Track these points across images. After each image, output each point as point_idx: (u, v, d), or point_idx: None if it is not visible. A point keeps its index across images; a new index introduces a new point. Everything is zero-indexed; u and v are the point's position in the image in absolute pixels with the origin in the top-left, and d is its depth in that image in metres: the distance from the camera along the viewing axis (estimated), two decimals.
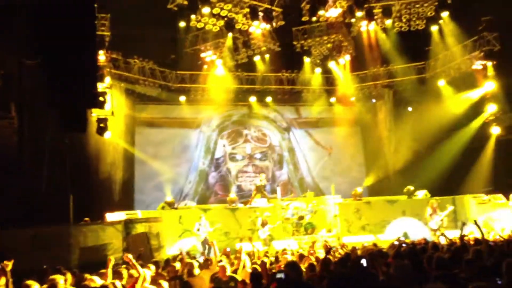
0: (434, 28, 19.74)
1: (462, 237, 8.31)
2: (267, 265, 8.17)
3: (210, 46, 20.65)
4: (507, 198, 16.33)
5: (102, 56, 17.63)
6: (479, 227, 8.41)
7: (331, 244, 10.93)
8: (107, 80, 17.72)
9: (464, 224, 9.30)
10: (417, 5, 18.51)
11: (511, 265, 4.53)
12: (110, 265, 7.46)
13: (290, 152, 24.15)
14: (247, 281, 6.67)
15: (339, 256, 8.85)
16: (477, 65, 19.41)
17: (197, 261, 9.78)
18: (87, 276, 7.76)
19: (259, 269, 7.17)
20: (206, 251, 14.71)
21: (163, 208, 17.15)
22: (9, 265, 6.53)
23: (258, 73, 22.26)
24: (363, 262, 4.44)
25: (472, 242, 8.69)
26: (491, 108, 18.95)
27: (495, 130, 18.92)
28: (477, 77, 19.56)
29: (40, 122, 15.72)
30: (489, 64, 18.92)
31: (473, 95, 19.68)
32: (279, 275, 5.42)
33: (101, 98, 16.34)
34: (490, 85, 18.88)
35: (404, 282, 5.13)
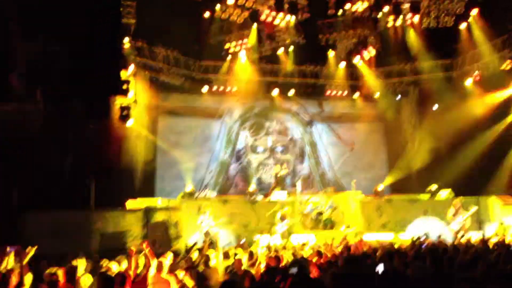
0: (463, 26, 19.34)
1: (484, 239, 8.14)
2: (284, 260, 8.14)
3: (234, 37, 20.59)
4: None
5: (126, 44, 17.73)
6: (505, 229, 8.25)
7: (351, 241, 10.83)
8: (131, 68, 17.80)
9: (481, 225, 9.13)
10: (446, 2, 18.17)
11: None
12: (134, 256, 7.51)
13: (311, 146, 24.01)
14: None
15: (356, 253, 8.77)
16: (506, 64, 18.97)
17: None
18: (104, 263, 7.86)
19: (273, 264, 7.15)
20: (208, 244, 14.70)
21: (183, 197, 17.23)
22: (32, 250, 6.59)
23: (282, 65, 22.14)
24: (380, 268, 4.36)
25: (493, 245, 8.53)
26: None
27: None
28: (505, 77, 19.13)
29: (65, 108, 15.92)
30: None
31: (500, 96, 19.27)
32: (292, 270, 5.39)
33: (124, 86, 16.50)
34: None
35: (423, 284, 5.04)
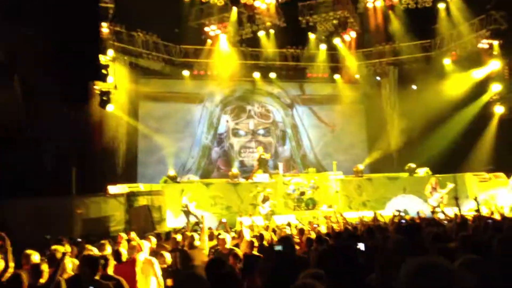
0: (441, 6, 19.50)
1: (462, 214, 8.33)
2: (268, 239, 8.26)
3: (214, 20, 20.49)
4: (508, 177, 16.34)
5: (105, 29, 17.54)
6: (478, 204, 8.46)
7: (333, 219, 10.98)
8: (110, 53, 17.64)
9: (457, 199, 9.35)
10: None
11: (501, 241, 4.57)
12: (123, 241, 7.55)
13: (293, 129, 24.14)
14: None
15: (338, 230, 8.91)
16: (483, 43, 19.22)
17: (198, 233, 9.86)
18: (88, 246, 7.87)
19: (256, 243, 7.25)
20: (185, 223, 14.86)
21: (165, 181, 17.25)
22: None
23: (263, 48, 22.12)
24: (361, 247, 4.46)
25: (471, 220, 8.73)
26: (496, 88, 18.83)
27: (499, 110, 18.85)
28: (482, 56, 19.40)
29: (44, 94, 15.71)
30: (495, 43, 18.73)
31: (478, 74, 19.55)
32: (277, 248, 5.46)
33: (103, 71, 16.35)
34: (495, 64, 18.73)
35: (401, 256, 5.18)
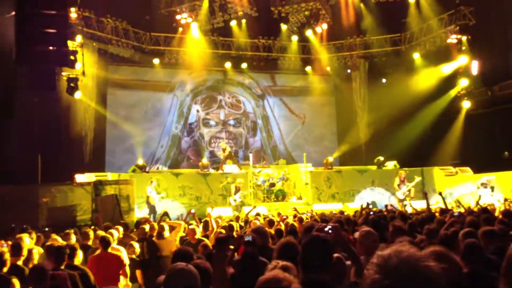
0: (411, 0, 19.70)
1: (429, 208, 8.48)
2: (237, 230, 8.23)
3: (185, 8, 20.26)
4: (474, 171, 16.69)
5: (73, 14, 17.12)
6: (443, 198, 8.63)
7: (301, 211, 11.03)
8: (78, 38, 17.25)
9: (426, 194, 9.51)
10: None
11: (466, 234, 4.68)
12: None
13: (264, 120, 24.15)
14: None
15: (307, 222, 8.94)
16: (452, 39, 19.53)
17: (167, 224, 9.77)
18: (53, 235, 7.72)
19: (224, 233, 7.21)
20: (151, 216, 14.74)
21: (134, 171, 17.02)
22: None
23: (234, 38, 22.00)
24: (328, 229, 4.47)
25: (437, 213, 8.89)
26: (463, 82, 19.18)
27: (466, 104, 19.22)
28: (451, 51, 19.72)
29: (9, 80, 15.29)
30: (464, 38, 19.05)
31: (446, 69, 19.88)
32: (246, 238, 5.43)
33: (71, 57, 15.95)
34: (463, 60, 19.07)
35: (368, 249, 5.22)
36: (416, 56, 21.21)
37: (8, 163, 15.12)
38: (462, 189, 16.26)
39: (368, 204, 9.58)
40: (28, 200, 13.58)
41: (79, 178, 14.90)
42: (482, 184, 14.92)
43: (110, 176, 15.86)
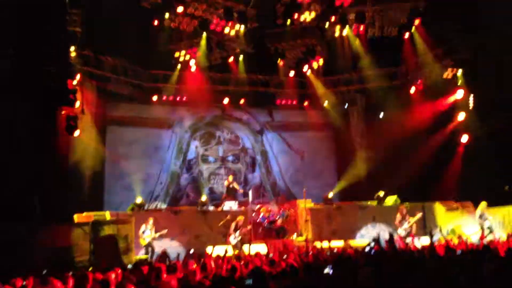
0: (406, 35, 19.97)
1: (431, 245, 8.38)
2: (239, 271, 8.08)
3: (183, 45, 20.46)
4: (475, 206, 16.57)
5: (73, 53, 17.32)
6: (442, 235, 8.59)
7: (302, 247, 10.89)
8: (78, 77, 17.38)
9: (431, 233, 9.40)
10: (390, 12, 18.72)
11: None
12: None
13: (262, 155, 24.11)
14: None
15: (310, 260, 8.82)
16: (448, 73, 19.70)
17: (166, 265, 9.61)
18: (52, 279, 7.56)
19: (227, 275, 7.08)
20: (149, 255, 14.54)
21: (132, 209, 16.89)
22: None
23: (232, 74, 22.18)
24: (329, 271, 4.39)
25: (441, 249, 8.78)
26: (461, 116, 19.27)
27: (464, 138, 19.24)
28: (447, 85, 19.87)
29: (8, 117, 15.30)
30: (459, 72, 19.22)
31: (443, 103, 20.00)
32: (247, 282, 5.34)
33: (71, 96, 16.03)
34: (460, 93, 19.20)
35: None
36: (413, 90, 21.35)
37: (6, 202, 14.99)
38: (464, 224, 16.10)
39: (375, 240, 9.36)
40: (26, 240, 13.39)
41: (78, 217, 14.77)
42: (480, 216, 14.79)
43: (108, 215, 15.71)
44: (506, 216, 15.01)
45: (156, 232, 14.95)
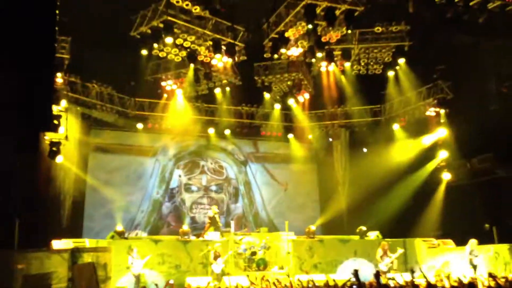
0: (390, 73, 20.36)
1: (413, 282, 8.41)
2: None
3: (171, 75, 20.61)
4: (456, 243, 16.66)
5: (59, 79, 17.34)
6: (424, 274, 8.68)
7: (282, 283, 10.81)
8: (63, 103, 17.36)
9: (413, 270, 9.44)
10: (375, 50, 19.07)
11: None
12: None
13: (246, 186, 24.11)
14: None
15: None
16: (431, 111, 20.08)
17: None
18: None
19: None
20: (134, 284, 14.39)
21: (112, 237, 16.64)
22: None
23: (218, 105, 22.33)
24: None
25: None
26: (443, 154, 19.56)
27: (446, 176, 19.51)
28: (430, 123, 20.22)
29: None
30: (442, 111, 19.59)
31: (425, 141, 20.32)
32: None
33: (55, 121, 15.97)
34: (442, 132, 19.53)
35: None
36: (396, 127, 21.70)
37: None
38: (448, 262, 16.11)
39: (349, 278, 9.37)
40: (2, 266, 13.12)
41: (56, 244, 14.52)
42: (470, 253, 14.84)
43: (88, 242, 15.48)
44: (488, 255, 15.09)
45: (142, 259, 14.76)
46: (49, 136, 16.53)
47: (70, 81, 18.78)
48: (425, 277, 8.55)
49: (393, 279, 10.18)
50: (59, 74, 17.11)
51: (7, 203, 15.68)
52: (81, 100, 19.51)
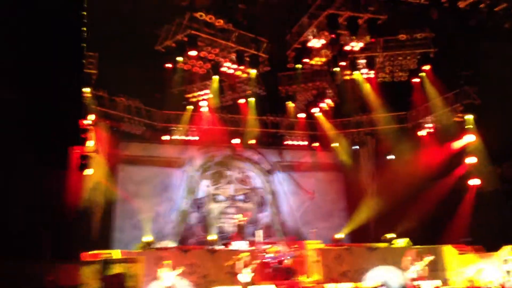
0: (416, 80, 20.20)
1: None
2: None
3: (196, 87, 20.90)
4: (486, 250, 16.39)
5: (88, 94, 17.76)
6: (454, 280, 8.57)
7: None
8: (92, 117, 17.75)
9: (444, 276, 9.32)
10: (400, 57, 19.05)
11: None
12: None
13: (272, 195, 24.14)
14: None
15: None
16: (458, 117, 19.85)
17: None
18: None
19: None
20: None
21: (141, 248, 16.90)
22: None
23: (243, 115, 22.50)
24: None
25: None
26: (471, 160, 19.29)
27: (475, 182, 19.21)
28: (457, 129, 19.98)
29: (18, 157, 15.53)
30: (469, 117, 19.35)
31: (453, 146, 20.07)
32: None
33: (84, 135, 16.36)
34: (470, 138, 19.28)
35: None
36: (422, 133, 21.48)
37: (15, 240, 15.04)
38: (482, 269, 15.85)
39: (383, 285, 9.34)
40: (34, 277, 13.42)
41: (87, 255, 14.80)
42: (505, 261, 14.60)
43: (118, 253, 15.72)
44: None
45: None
46: (79, 150, 16.89)
47: (98, 96, 19.20)
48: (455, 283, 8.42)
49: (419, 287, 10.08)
50: (87, 89, 17.51)
51: (38, 216, 16.08)
52: (109, 114, 19.93)
